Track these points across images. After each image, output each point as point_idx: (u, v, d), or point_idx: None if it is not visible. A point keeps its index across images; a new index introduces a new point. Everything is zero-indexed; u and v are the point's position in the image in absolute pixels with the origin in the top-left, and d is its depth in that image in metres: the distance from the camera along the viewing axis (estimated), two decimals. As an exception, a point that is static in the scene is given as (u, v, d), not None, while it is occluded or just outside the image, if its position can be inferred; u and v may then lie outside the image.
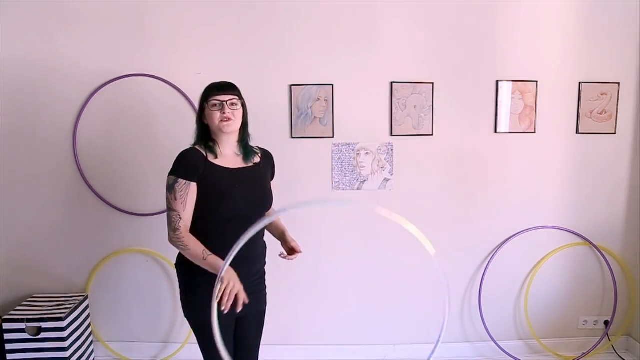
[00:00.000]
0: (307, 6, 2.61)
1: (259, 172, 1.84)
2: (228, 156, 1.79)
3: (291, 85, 2.65)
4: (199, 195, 1.71)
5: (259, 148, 1.93)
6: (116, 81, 2.63)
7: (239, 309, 1.59)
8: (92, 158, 2.72)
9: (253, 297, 1.76)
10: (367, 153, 2.73)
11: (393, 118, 2.70)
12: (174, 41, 2.63)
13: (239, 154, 1.82)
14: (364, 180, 2.75)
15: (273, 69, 2.64)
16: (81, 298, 2.70)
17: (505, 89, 2.70)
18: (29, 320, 2.44)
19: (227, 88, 1.79)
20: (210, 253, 1.66)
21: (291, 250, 1.88)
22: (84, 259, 2.81)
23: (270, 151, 1.97)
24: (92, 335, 2.79)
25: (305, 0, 2.60)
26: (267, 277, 1.96)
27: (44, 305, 2.60)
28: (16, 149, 2.69)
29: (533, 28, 2.67)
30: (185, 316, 1.86)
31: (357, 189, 2.76)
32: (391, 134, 2.72)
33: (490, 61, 2.69)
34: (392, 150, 2.73)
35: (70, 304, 2.60)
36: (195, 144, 1.80)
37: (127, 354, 2.85)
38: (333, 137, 2.70)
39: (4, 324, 2.45)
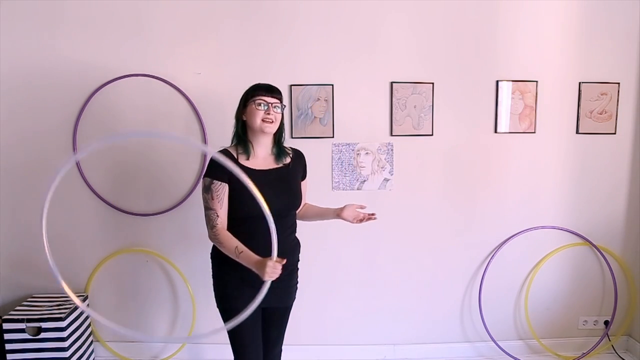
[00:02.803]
0: (308, 6, 2.61)
1: (288, 172, 1.91)
2: (260, 157, 1.88)
3: (291, 85, 2.65)
4: (228, 193, 1.82)
5: (292, 149, 2.00)
6: (116, 81, 2.63)
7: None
8: (92, 158, 2.72)
9: (279, 291, 1.88)
10: (367, 153, 2.73)
11: (393, 118, 2.70)
12: (174, 41, 2.63)
13: (272, 154, 1.90)
14: (364, 180, 2.75)
15: (273, 69, 2.64)
16: (81, 298, 2.70)
17: (505, 89, 2.70)
18: (29, 320, 2.44)
19: (274, 91, 1.86)
20: (243, 249, 1.73)
21: (364, 216, 1.96)
22: (84, 259, 2.81)
23: (300, 150, 2.04)
24: (92, 335, 2.79)
25: (306, 0, 2.60)
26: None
27: (44, 305, 2.60)
28: (16, 148, 2.69)
29: (533, 28, 2.67)
30: (217, 306, 1.94)
31: (357, 189, 2.76)
32: (391, 134, 2.72)
33: (490, 61, 2.69)
34: (392, 150, 2.73)
35: (70, 304, 2.60)
36: (232, 141, 1.90)
37: (127, 354, 2.85)
38: (333, 137, 2.71)
39: (4, 324, 2.45)
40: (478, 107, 2.72)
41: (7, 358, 2.44)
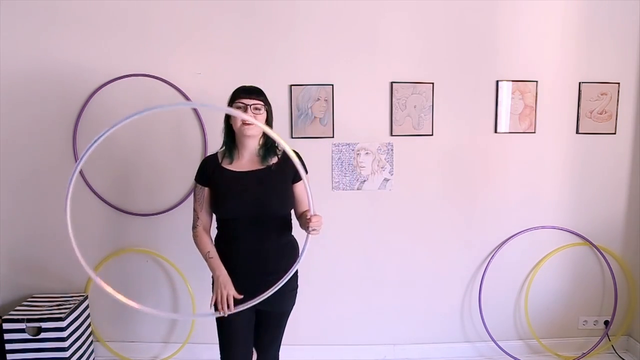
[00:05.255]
0: (308, 6, 2.61)
1: (271, 174, 1.87)
2: (245, 158, 1.89)
3: (291, 85, 2.65)
4: (210, 196, 1.90)
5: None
6: (116, 81, 2.63)
7: (231, 311, 1.74)
8: (92, 158, 2.70)
9: (272, 296, 1.84)
10: (367, 153, 2.73)
11: (393, 118, 2.70)
12: (174, 41, 2.63)
13: (259, 155, 1.89)
14: (364, 180, 2.75)
15: (273, 69, 2.64)
16: (81, 298, 2.70)
17: (505, 89, 2.70)
18: (29, 320, 2.44)
19: (254, 92, 1.85)
20: (212, 255, 1.85)
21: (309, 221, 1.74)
22: (84, 259, 2.80)
23: (295, 150, 1.94)
24: (92, 335, 2.79)
25: (306, 0, 2.60)
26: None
27: (44, 305, 2.60)
28: (16, 148, 2.70)
29: (533, 28, 2.67)
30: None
31: (357, 189, 2.76)
32: (391, 134, 2.72)
33: (490, 61, 2.69)
34: (392, 150, 2.73)
35: (70, 304, 2.60)
36: (222, 144, 1.93)
37: (127, 354, 2.85)
38: (333, 137, 2.70)
39: (4, 324, 2.45)
40: (478, 107, 2.72)
41: (7, 358, 2.44)
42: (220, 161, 1.91)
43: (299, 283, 2.04)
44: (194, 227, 1.92)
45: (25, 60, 2.62)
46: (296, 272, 1.99)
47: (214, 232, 1.96)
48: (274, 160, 1.90)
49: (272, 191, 1.86)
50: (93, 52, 2.61)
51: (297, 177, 1.91)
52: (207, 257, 1.85)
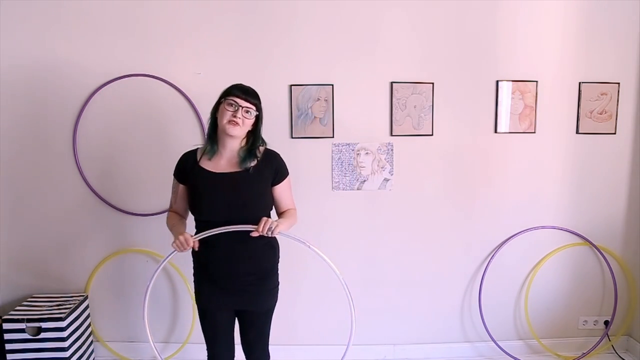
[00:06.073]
0: (308, 6, 2.61)
1: (247, 177, 1.82)
2: (223, 158, 1.85)
3: (291, 85, 2.65)
4: (187, 193, 1.90)
5: (265, 150, 1.91)
6: (116, 81, 2.63)
7: (190, 245, 1.73)
8: (92, 158, 2.72)
9: (248, 295, 1.87)
10: (367, 153, 2.73)
11: (393, 118, 2.70)
12: (174, 41, 2.63)
13: (238, 156, 1.84)
14: (364, 180, 2.75)
15: (273, 69, 2.64)
16: (81, 298, 2.70)
17: (505, 89, 2.70)
18: (29, 320, 2.44)
19: (250, 94, 1.82)
20: (173, 226, 1.88)
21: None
22: (84, 259, 2.81)
23: (276, 151, 1.95)
24: (92, 335, 2.79)
25: (306, 0, 2.60)
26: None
27: (44, 305, 2.60)
28: (16, 149, 2.69)
29: (533, 28, 2.67)
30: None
31: (357, 189, 2.76)
32: (391, 134, 2.72)
33: (490, 61, 2.69)
34: (392, 150, 2.73)
35: (70, 304, 2.60)
36: (206, 137, 1.92)
37: (127, 354, 2.85)
38: (333, 137, 2.70)
39: (4, 324, 2.45)
40: (478, 107, 2.72)
41: (7, 358, 2.44)
42: (198, 159, 1.86)
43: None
44: (168, 211, 1.98)
45: (25, 60, 2.62)
46: (276, 270, 1.98)
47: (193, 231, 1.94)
48: (253, 163, 1.84)
49: (247, 195, 1.81)
50: (93, 52, 2.61)
51: (277, 179, 1.90)
52: (171, 229, 1.88)
